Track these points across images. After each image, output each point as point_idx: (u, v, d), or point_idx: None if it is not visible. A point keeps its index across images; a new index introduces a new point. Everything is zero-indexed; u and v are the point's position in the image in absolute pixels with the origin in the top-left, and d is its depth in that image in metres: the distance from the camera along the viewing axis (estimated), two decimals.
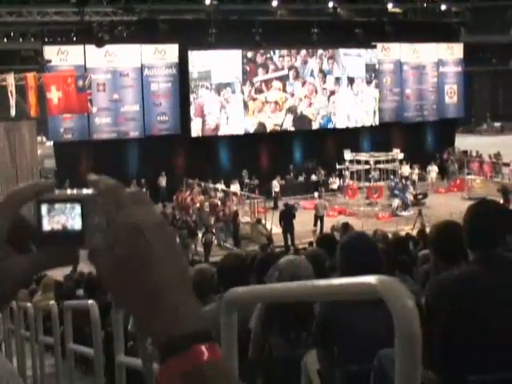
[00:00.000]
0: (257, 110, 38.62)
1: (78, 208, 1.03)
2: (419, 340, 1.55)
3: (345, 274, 4.31)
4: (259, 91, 38.60)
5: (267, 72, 38.70)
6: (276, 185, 35.42)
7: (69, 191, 1.05)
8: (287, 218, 28.34)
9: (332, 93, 40.31)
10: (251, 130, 38.48)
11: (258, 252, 16.13)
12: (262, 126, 38.78)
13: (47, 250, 1.04)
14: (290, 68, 39.19)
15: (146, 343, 1.08)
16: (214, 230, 28.53)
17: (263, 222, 28.58)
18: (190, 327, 1.01)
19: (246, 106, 38.39)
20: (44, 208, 1.03)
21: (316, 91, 39.93)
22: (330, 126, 40.48)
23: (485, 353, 3.24)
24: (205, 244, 27.07)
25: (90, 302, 5.88)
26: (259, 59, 38.50)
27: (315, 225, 29.79)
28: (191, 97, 37.02)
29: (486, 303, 3.33)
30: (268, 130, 38.90)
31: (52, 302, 7.94)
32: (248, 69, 38.28)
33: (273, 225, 28.28)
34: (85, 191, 1.04)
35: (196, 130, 37.23)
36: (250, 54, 38.38)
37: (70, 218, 1.03)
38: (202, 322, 1.03)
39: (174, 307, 1.01)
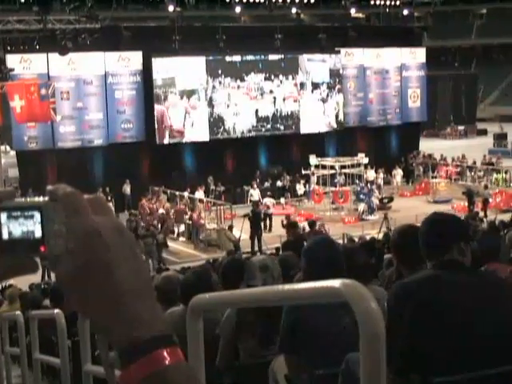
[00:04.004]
0: (222, 115, 38.58)
1: (37, 215, 1.02)
2: (383, 340, 1.56)
3: (309, 278, 4.32)
4: (224, 97, 38.58)
5: (231, 78, 38.68)
6: (253, 193, 34.26)
7: (28, 199, 1.04)
8: (255, 223, 28.30)
9: (296, 98, 40.36)
10: (216, 136, 38.40)
11: (224, 258, 16.16)
12: (227, 131, 38.75)
13: (7, 259, 1.03)
14: (254, 74, 39.17)
15: (107, 348, 1.08)
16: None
17: (234, 228, 28.45)
18: (151, 332, 1.01)
19: (211, 112, 38.33)
20: (3, 216, 1.02)
21: (281, 97, 39.95)
22: (296, 131, 40.52)
23: (450, 354, 3.27)
24: (157, 244, 26.75)
25: (56, 311, 5.84)
26: (223, 65, 38.46)
27: (265, 226, 30.21)
28: (155, 104, 36.90)
29: (450, 305, 3.36)
30: (233, 136, 38.87)
31: (18, 312, 7.85)
32: (212, 75, 38.22)
33: (242, 232, 28.09)
34: (44, 199, 1.03)
35: (161, 137, 37.08)
36: (214, 61, 38.32)
37: (29, 225, 1.02)
38: (164, 326, 1.03)
39: (135, 312, 1.01)
